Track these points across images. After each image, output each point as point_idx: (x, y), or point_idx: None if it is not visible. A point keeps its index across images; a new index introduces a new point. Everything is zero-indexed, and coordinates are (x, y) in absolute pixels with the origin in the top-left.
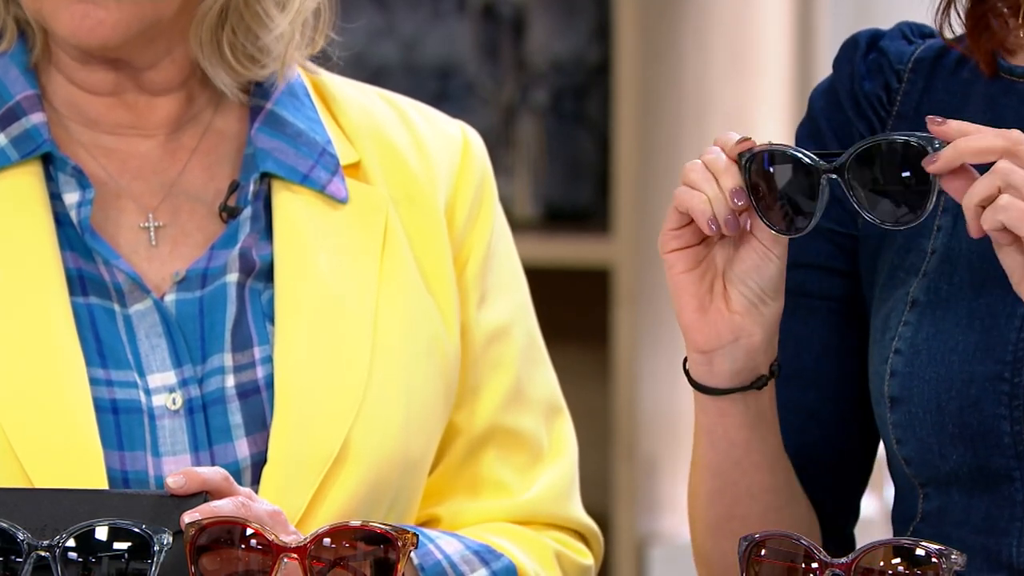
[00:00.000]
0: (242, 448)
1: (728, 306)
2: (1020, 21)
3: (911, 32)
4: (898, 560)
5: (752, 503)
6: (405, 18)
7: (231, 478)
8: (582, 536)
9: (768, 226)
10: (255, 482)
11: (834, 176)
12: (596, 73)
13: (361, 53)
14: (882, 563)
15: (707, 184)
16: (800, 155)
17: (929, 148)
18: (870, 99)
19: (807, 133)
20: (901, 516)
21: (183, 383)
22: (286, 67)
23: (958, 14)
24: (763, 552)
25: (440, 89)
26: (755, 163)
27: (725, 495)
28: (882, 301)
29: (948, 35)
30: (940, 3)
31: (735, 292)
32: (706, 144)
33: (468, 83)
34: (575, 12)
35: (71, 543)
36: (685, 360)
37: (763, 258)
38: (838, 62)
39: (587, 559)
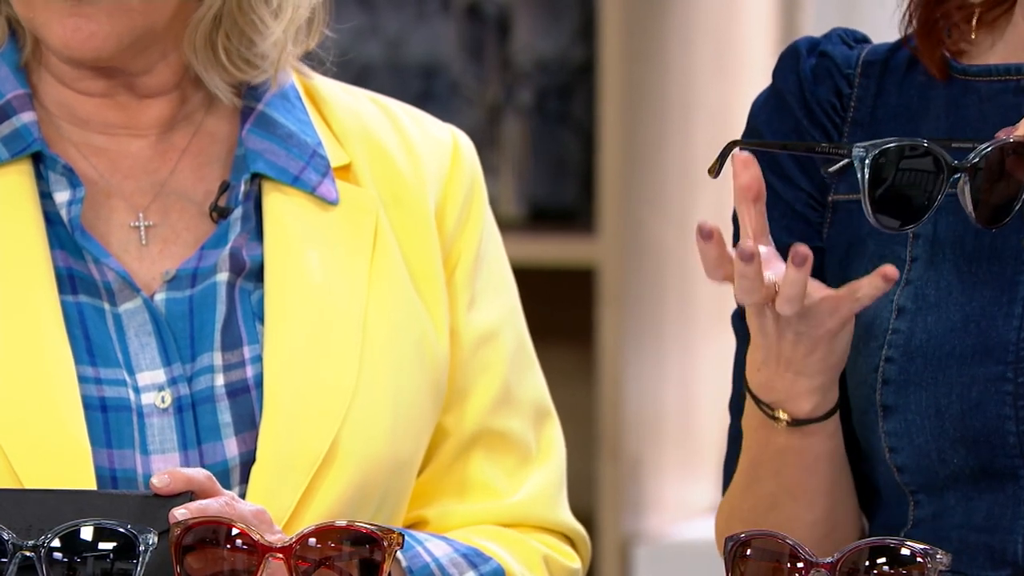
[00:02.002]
0: (231, 447)
1: (828, 332)
2: (974, 25)
3: (848, 37)
4: (883, 560)
5: (852, 509)
6: (389, 18)
7: (214, 478)
8: (570, 539)
9: (878, 224)
10: (243, 481)
11: (958, 176)
12: (581, 73)
13: (346, 53)
14: (867, 563)
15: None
16: (934, 151)
17: None
18: (823, 105)
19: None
20: (887, 524)
21: (172, 381)
22: (280, 71)
23: (912, 19)
24: (749, 552)
25: (425, 89)
26: (883, 158)
27: (836, 510)
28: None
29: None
30: (906, 13)
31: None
32: (691, 144)
33: (453, 83)
34: (559, 12)
35: (56, 543)
36: (772, 412)
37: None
38: (781, 71)
39: (575, 562)
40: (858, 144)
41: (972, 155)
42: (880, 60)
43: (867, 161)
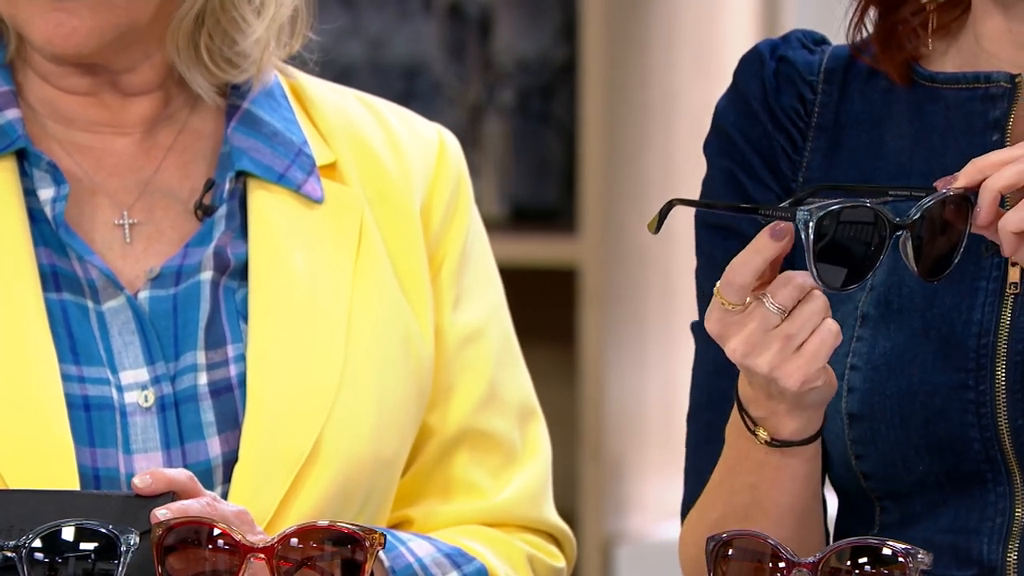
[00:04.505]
0: (214, 446)
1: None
2: (930, 31)
3: (807, 40)
4: (865, 559)
5: (817, 529)
6: (371, 18)
7: (196, 479)
8: (555, 538)
9: (822, 285)
10: (226, 481)
11: (900, 233)
12: (562, 73)
13: (327, 53)
14: (849, 562)
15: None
16: (876, 210)
17: (972, 198)
18: (787, 112)
19: (719, 150)
20: (851, 531)
21: (155, 380)
22: (262, 71)
23: (864, 27)
24: (731, 552)
25: (407, 89)
26: (827, 219)
27: (802, 530)
28: None
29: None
30: (853, 17)
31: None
32: (673, 144)
33: (435, 83)
34: (541, 12)
35: (38, 543)
36: (754, 428)
37: None
38: (743, 75)
39: (559, 562)
40: (801, 207)
41: (913, 211)
42: (842, 66)
43: (811, 224)
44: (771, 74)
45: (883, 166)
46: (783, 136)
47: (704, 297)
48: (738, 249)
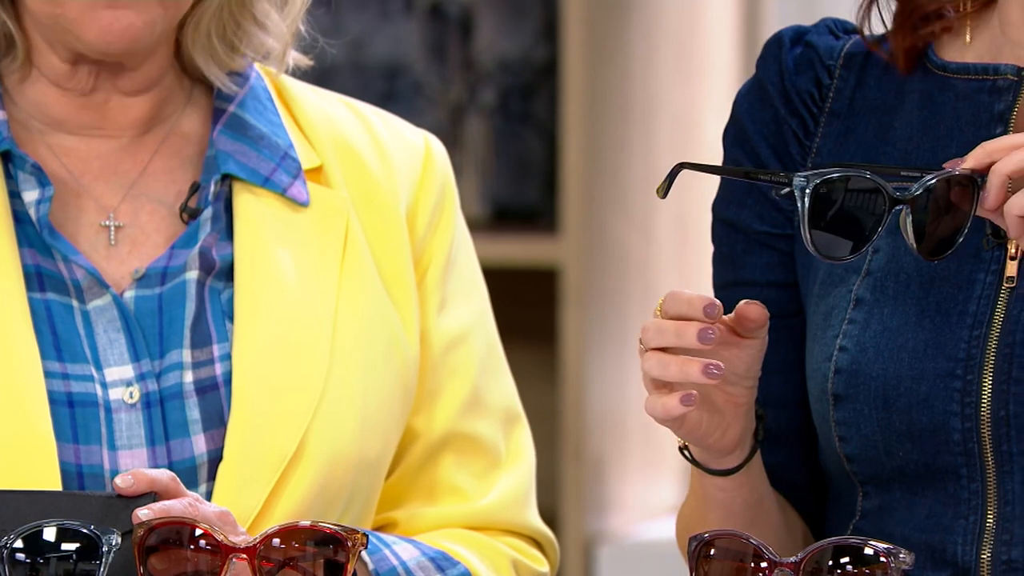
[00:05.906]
0: (199, 444)
1: (736, 406)
2: (965, 10)
3: (836, 27)
4: (847, 559)
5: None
6: (352, 18)
7: (178, 480)
8: (538, 543)
9: (816, 252)
10: (211, 479)
11: (900, 208)
12: (543, 73)
13: (308, 53)
14: (831, 562)
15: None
16: (876, 182)
17: (979, 180)
18: (801, 95)
19: (733, 139)
20: (838, 514)
21: (141, 377)
22: (282, 64)
23: (879, 12)
24: (712, 552)
25: (387, 89)
26: (824, 187)
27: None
28: (821, 297)
29: (866, 32)
30: (863, 1)
31: (741, 389)
32: (654, 145)
33: (415, 83)
34: (522, 12)
35: (19, 544)
36: (684, 449)
37: (757, 347)
38: (764, 60)
39: (543, 566)
40: (799, 173)
41: (915, 187)
42: (862, 52)
43: (807, 191)
44: (791, 59)
45: (889, 152)
46: (796, 120)
47: (715, 285)
48: (740, 244)
